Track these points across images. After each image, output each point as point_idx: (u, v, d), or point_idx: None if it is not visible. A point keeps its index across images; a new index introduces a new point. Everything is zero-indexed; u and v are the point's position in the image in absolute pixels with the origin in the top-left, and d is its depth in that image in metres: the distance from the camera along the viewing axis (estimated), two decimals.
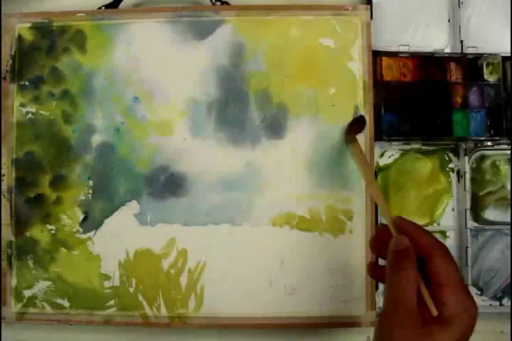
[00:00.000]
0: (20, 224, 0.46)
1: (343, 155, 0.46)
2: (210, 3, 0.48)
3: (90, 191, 0.46)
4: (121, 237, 0.46)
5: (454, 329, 0.29)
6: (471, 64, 0.48)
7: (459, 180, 0.49)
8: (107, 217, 0.46)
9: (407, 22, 0.49)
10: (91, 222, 0.46)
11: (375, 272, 0.37)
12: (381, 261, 0.37)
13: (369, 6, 0.47)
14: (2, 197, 0.47)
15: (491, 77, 0.48)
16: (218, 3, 0.48)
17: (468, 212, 0.47)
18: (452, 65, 0.48)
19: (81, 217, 0.46)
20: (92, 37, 0.47)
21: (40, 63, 0.47)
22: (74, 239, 0.46)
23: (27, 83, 0.47)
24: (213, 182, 0.46)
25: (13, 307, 0.46)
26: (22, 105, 0.47)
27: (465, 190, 0.48)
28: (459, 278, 0.30)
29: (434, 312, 0.29)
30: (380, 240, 0.35)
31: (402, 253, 0.31)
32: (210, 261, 0.46)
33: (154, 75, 0.47)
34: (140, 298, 0.46)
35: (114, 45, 0.47)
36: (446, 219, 0.49)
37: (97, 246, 0.46)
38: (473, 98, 0.48)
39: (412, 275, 0.30)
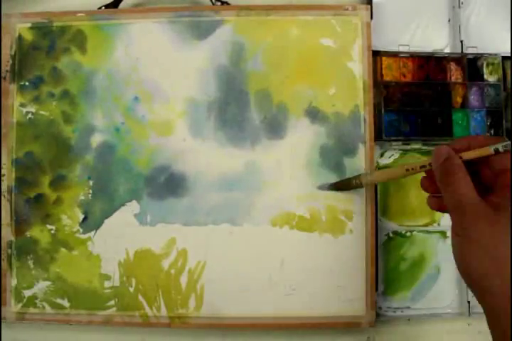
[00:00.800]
0: (20, 224, 0.46)
1: (343, 156, 0.46)
2: (210, 3, 0.48)
3: (90, 191, 0.46)
4: (121, 237, 0.46)
5: None
6: (471, 64, 0.48)
7: None
8: (107, 217, 0.46)
9: (407, 22, 0.49)
10: (91, 222, 0.46)
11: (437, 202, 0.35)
12: None
13: (369, 6, 0.47)
14: (2, 197, 0.47)
15: (491, 77, 0.48)
16: (218, 3, 0.48)
17: None
18: (452, 65, 0.48)
19: (81, 217, 0.46)
20: (92, 37, 0.47)
21: (40, 63, 0.47)
22: (74, 239, 0.46)
23: (27, 83, 0.47)
24: (213, 182, 0.46)
25: (13, 307, 0.46)
26: (22, 105, 0.47)
27: None
28: None
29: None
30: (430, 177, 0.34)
31: (445, 165, 0.30)
32: (210, 261, 0.46)
33: (154, 75, 0.47)
34: (140, 298, 0.46)
35: (114, 45, 0.47)
36: (447, 219, 0.48)
37: (97, 246, 0.46)
38: (473, 98, 0.48)
39: (465, 177, 0.29)
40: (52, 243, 0.46)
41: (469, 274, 0.29)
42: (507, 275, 0.27)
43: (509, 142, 0.29)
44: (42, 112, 0.47)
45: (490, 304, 0.28)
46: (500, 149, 0.29)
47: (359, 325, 0.45)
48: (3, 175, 0.47)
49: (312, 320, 0.45)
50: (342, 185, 0.44)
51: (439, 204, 0.34)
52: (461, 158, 0.30)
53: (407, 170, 0.36)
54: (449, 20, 0.50)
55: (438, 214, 0.48)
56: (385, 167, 0.49)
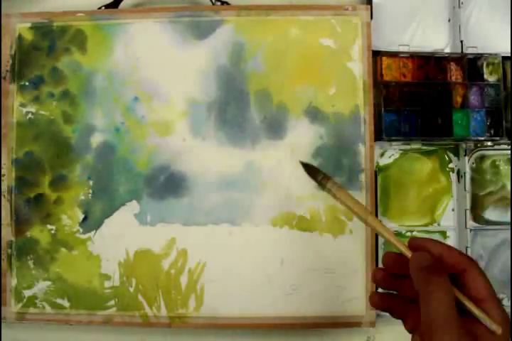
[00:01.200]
0: (20, 224, 0.46)
1: (342, 156, 0.46)
2: (210, 3, 0.48)
3: (90, 191, 0.46)
4: (121, 237, 0.46)
5: None
6: (471, 64, 0.48)
7: (459, 180, 0.49)
8: (107, 217, 0.46)
9: (407, 22, 0.49)
10: (91, 222, 0.46)
11: (382, 301, 0.32)
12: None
13: (369, 6, 0.47)
14: (2, 197, 0.47)
15: (491, 77, 0.48)
16: (218, 3, 0.48)
17: (468, 212, 0.47)
18: (452, 65, 0.48)
19: (81, 217, 0.46)
20: (92, 37, 0.47)
21: (40, 63, 0.47)
22: (74, 239, 0.46)
23: (27, 83, 0.47)
24: (213, 182, 0.46)
25: (13, 307, 0.46)
26: (22, 105, 0.47)
27: (465, 190, 0.47)
28: (494, 292, 0.28)
29: (498, 331, 0.26)
30: (387, 272, 0.31)
31: (429, 269, 0.27)
32: (210, 261, 0.46)
33: (154, 75, 0.47)
34: (140, 298, 0.46)
35: (114, 45, 0.47)
36: (446, 219, 0.49)
37: (97, 246, 0.46)
38: (473, 98, 0.48)
39: (447, 287, 0.27)
40: (52, 243, 0.46)
41: None
42: None
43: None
44: (42, 112, 0.47)
45: None
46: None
47: (359, 325, 0.45)
48: (3, 175, 0.47)
49: (312, 320, 0.45)
50: (313, 171, 0.36)
51: (385, 305, 0.31)
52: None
53: (373, 218, 0.31)
54: (449, 20, 0.50)
55: (438, 214, 0.48)
56: (385, 167, 0.49)
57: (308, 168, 0.37)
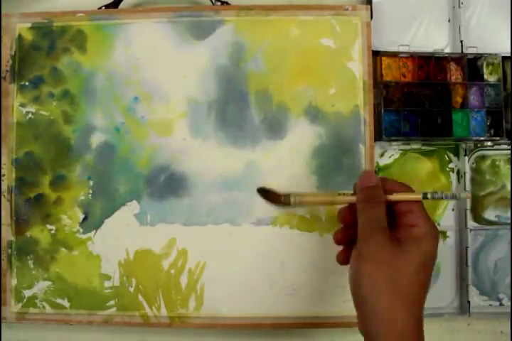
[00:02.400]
0: (20, 224, 0.46)
1: (343, 156, 0.46)
2: (210, 3, 0.48)
3: (90, 191, 0.46)
4: (121, 237, 0.46)
5: (423, 248, 0.31)
6: (471, 64, 0.48)
7: (459, 180, 0.49)
8: (107, 217, 0.46)
9: (407, 22, 0.49)
10: (91, 221, 0.46)
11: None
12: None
13: (369, 6, 0.47)
14: (2, 197, 0.47)
15: (491, 77, 0.48)
16: (218, 3, 0.48)
17: (468, 212, 0.47)
18: (452, 65, 0.48)
19: (81, 217, 0.46)
20: (92, 37, 0.47)
21: (40, 63, 0.47)
22: (74, 239, 0.46)
23: (27, 83, 0.47)
24: (213, 182, 0.46)
25: (13, 307, 0.46)
26: (22, 105, 0.47)
27: (465, 190, 0.48)
28: (423, 207, 0.33)
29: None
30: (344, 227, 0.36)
31: (372, 189, 0.33)
32: (210, 261, 0.46)
33: (154, 75, 0.47)
34: (140, 298, 0.46)
35: (114, 45, 0.47)
36: (446, 219, 0.49)
37: (97, 246, 0.46)
38: (473, 98, 0.48)
39: (382, 207, 0.32)
40: (52, 243, 0.46)
41: (361, 295, 0.31)
42: (399, 300, 0.29)
43: (437, 192, 0.33)
44: (42, 112, 0.47)
45: (375, 326, 0.30)
46: (429, 196, 0.33)
47: None
48: (3, 175, 0.47)
49: (312, 320, 0.45)
50: (271, 196, 0.38)
51: (346, 238, 0.35)
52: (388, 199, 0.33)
53: (339, 194, 0.35)
54: (449, 20, 0.50)
55: (438, 214, 0.48)
56: (385, 167, 0.49)
57: (265, 193, 0.39)
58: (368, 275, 0.31)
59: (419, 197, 0.33)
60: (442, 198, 0.34)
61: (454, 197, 0.34)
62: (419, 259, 0.30)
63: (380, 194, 0.33)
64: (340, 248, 0.36)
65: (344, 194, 0.35)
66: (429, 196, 0.33)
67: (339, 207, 0.36)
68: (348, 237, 0.36)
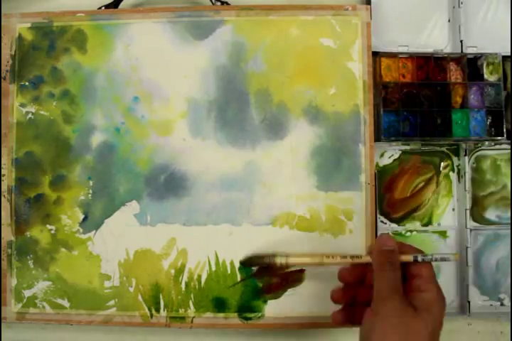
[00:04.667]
0: (20, 224, 0.46)
1: (342, 156, 0.46)
2: (210, 3, 0.48)
3: (90, 191, 0.46)
4: (121, 237, 0.46)
5: (434, 315, 0.33)
6: (471, 64, 0.48)
7: (459, 180, 0.49)
8: (107, 217, 0.46)
9: (406, 22, 0.49)
10: (91, 222, 0.46)
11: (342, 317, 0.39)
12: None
13: (369, 6, 0.47)
14: (2, 197, 0.47)
15: (491, 77, 0.48)
16: (218, 3, 0.48)
17: (468, 212, 0.47)
18: (452, 65, 0.48)
19: (81, 217, 0.46)
20: (92, 37, 0.47)
21: (40, 63, 0.47)
22: (74, 239, 0.46)
23: (27, 83, 0.47)
24: (213, 182, 0.46)
25: (13, 307, 0.46)
26: (22, 105, 0.47)
27: (465, 190, 0.48)
28: (433, 271, 0.35)
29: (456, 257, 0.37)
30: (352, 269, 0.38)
31: (388, 253, 0.35)
32: (210, 261, 0.45)
33: (154, 75, 0.47)
34: (140, 298, 0.46)
35: (114, 45, 0.47)
36: (447, 219, 0.49)
37: (97, 246, 0.46)
38: (473, 98, 0.48)
39: (396, 268, 0.34)
40: (52, 243, 0.46)
41: None
42: None
43: (427, 254, 0.36)
44: (42, 112, 0.47)
45: None
46: (419, 259, 0.35)
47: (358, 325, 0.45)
48: (3, 175, 0.47)
49: (312, 320, 0.45)
50: (256, 259, 0.43)
51: (346, 297, 0.38)
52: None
53: (327, 257, 0.39)
54: (449, 20, 0.50)
55: (438, 214, 0.48)
56: (385, 167, 0.49)
57: (249, 260, 0.42)
58: (383, 333, 0.32)
59: (410, 258, 0.35)
60: (432, 260, 0.36)
61: (443, 259, 0.36)
62: (432, 324, 0.32)
63: (397, 258, 0.35)
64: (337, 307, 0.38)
65: (333, 257, 0.38)
66: (419, 258, 0.35)
67: (340, 266, 0.39)
68: (348, 297, 0.38)
